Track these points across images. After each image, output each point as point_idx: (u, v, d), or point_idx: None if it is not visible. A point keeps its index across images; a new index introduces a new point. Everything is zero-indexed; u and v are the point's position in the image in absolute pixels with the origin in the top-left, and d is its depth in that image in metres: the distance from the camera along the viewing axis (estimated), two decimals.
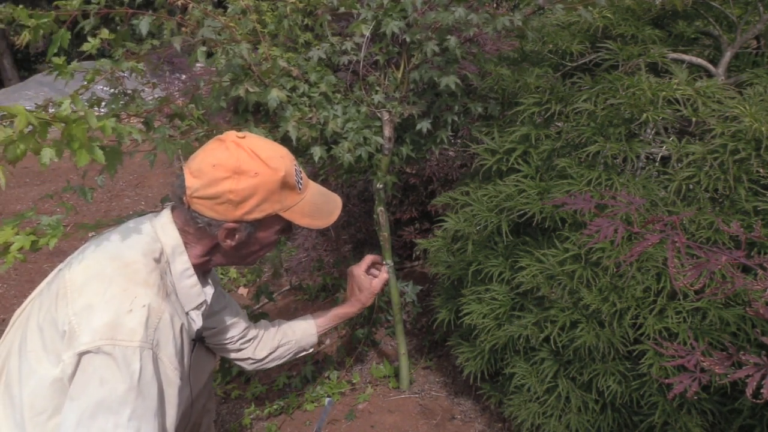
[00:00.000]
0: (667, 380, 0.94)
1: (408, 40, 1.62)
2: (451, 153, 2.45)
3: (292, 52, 1.69)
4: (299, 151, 1.66)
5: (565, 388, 1.55)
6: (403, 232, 2.59)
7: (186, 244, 1.17)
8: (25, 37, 1.22)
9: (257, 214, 1.15)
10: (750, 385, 0.79)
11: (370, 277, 1.76)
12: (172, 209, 1.20)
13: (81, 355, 0.95)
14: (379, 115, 1.69)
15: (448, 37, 1.56)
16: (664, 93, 1.47)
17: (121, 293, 1.00)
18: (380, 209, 1.83)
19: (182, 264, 1.16)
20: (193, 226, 1.16)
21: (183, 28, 1.46)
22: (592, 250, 1.42)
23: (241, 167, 1.11)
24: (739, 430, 1.32)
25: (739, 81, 1.64)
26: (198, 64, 1.67)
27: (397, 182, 1.82)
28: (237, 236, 1.17)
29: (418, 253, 2.63)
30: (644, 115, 1.45)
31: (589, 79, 1.64)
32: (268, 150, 1.16)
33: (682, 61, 1.67)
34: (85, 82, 1.35)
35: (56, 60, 1.23)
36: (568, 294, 1.45)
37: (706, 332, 1.28)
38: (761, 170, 1.32)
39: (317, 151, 1.63)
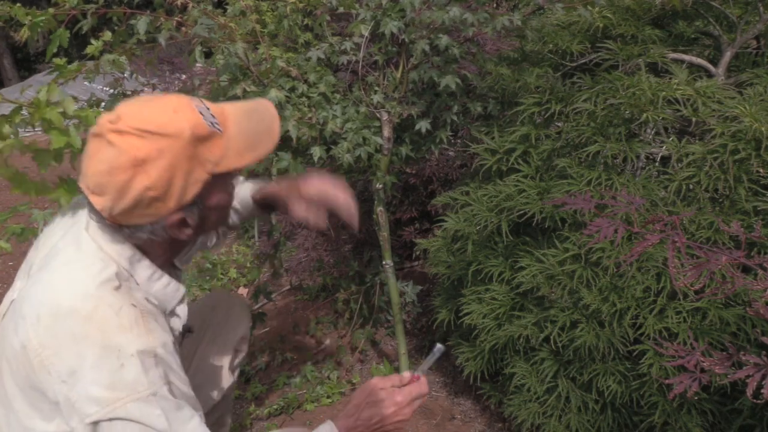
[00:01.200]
0: (667, 380, 0.94)
1: (406, 40, 1.62)
2: (451, 153, 2.45)
3: (292, 53, 1.69)
4: (299, 150, 1.66)
5: (565, 388, 1.55)
6: (403, 232, 2.59)
7: (142, 250, 1.01)
8: (24, 32, 1.22)
9: (193, 189, 0.95)
10: (750, 385, 0.79)
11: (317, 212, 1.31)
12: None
13: (95, 422, 0.89)
14: (378, 115, 1.69)
15: (440, 36, 1.56)
16: (664, 93, 1.47)
17: (103, 352, 0.90)
18: (380, 209, 1.83)
19: (145, 270, 1.01)
20: (137, 239, 0.99)
21: (182, 28, 1.46)
22: (592, 250, 1.42)
23: (138, 156, 0.88)
24: (739, 430, 1.32)
25: (739, 81, 1.63)
26: (198, 64, 1.67)
27: (397, 182, 1.82)
28: (189, 221, 0.98)
29: (418, 253, 2.63)
30: (644, 115, 1.45)
31: (589, 79, 1.64)
32: (155, 115, 0.92)
33: (682, 61, 1.67)
34: (86, 81, 1.35)
35: (57, 60, 1.23)
36: (568, 294, 1.45)
37: (706, 332, 1.28)
38: (761, 170, 1.32)
39: (317, 151, 1.63)
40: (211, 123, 0.96)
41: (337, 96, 1.68)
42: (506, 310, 1.63)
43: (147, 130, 0.89)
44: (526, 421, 1.60)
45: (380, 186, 1.78)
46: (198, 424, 0.98)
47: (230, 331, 1.51)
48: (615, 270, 1.39)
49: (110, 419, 0.89)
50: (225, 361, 1.49)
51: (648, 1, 1.82)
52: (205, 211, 1.00)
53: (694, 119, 1.46)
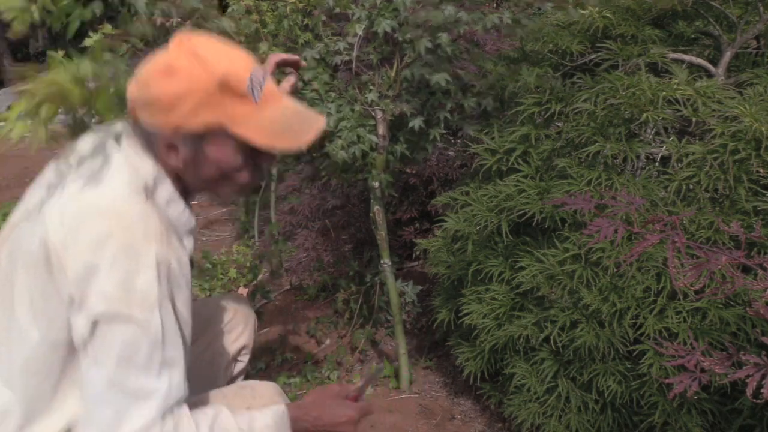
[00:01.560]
0: (667, 380, 0.94)
1: (400, 39, 1.62)
2: (451, 153, 2.45)
3: (291, 53, 1.69)
4: None
5: (565, 388, 1.55)
6: (403, 232, 2.59)
7: (165, 171, 1.03)
8: (17, 26, 1.20)
9: (194, 124, 0.97)
10: (750, 385, 0.79)
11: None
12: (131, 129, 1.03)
13: (96, 321, 0.91)
14: (372, 113, 1.69)
15: (440, 34, 1.56)
16: (664, 93, 1.47)
17: (124, 252, 0.91)
18: (377, 208, 1.83)
19: (166, 191, 1.03)
20: (144, 138, 1.02)
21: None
22: (592, 250, 1.42)
23: (173, 66, 0.95)
24: (739, 430, 1.32)
25: (739, 81, 1.64)
26: None
27: (392, 180, 1.82)
28: (180, 152, 1.00)
29: (418, 253, 2.63)
30: (644, 115, 1.45)
31: (589, 79, 1.64)
32: (215, 51, 0.98)
33: (682, 61, 1.67)
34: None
35: (51, 54, 1.21)
36: (568, 294, 1.45)
37: (706, 332, 1.28)
38: (761, 170, 1.32)
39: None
40: (252, 88, 0.98)
41: (332, 95, 1.67)
42: (506, 310, 1.63)
43: (197, 55, 0.96)
44: (526, 421, 1.60)
45: (377, 185, 1.78)
46: (183, 356, 0.98)
47: (231, 337, 1.48)
48: (615, 270, 1.39)
49: (112, 318, 0.91)
50: (219, 369, 1.46)
51: (648, 1, 1.82)
52: (200, 155, 1.01)
53: (694, 119, 1.46)
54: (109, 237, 0.92)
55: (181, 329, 0.99)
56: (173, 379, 0.96)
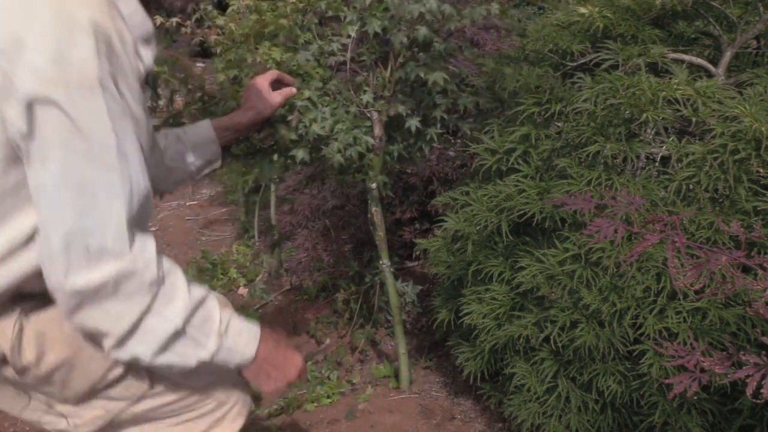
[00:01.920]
0: (667, 380, 0.94)
1: (391, 38, 1.62)
2: (451, 153, 2.45)
3: (292, 53, 1.69)
4: (280, 151, 1.67)
5: (565, 388, 1.55)
6: (403, 232, 2.59)
7: None
8: None
9: None
10: (750, 385, 0.79)
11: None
12: None
13: (31, 104, 0.79)
14: (368, 115, 1.69)
15: (418, 27, 1.55)
16: (664, 93, 1.47)
17: (56, 20, 0.79)
18: (375, 209, 1.83)
19: None
20: None
21: (183, 29, 1.47)
22: (592, 250, 1.42)
23: None
24: (739, 430, 1.33)
25: (739, 81, 1.64)
26: (198, 64, 1.68)
27: (388, 181, 1.81)
28: None
29: (418, 253, 2.63)
30: (644, 115, 1.45)
31: (589, 79, 1.64)
32: None
33: (682, 61, 1.67)
34: None
35: None
36: (568, 294, 1.46)
37: (706, 332, 1.28)
38: (761, 170, 1.32)
39: (300, 153, 1.62)
40: None
41: (327, 99, 1.67)
42: (506, 310, 1.63)
43: None
44: (526, 421, 1.60)
45: (374, 186, 1.78)
46: (137, 150, 0.87)
47: None
48: (615, 270, 1.39)
49: (47, 100, 0.78)
50: None
51: (648, 1, 1.82)
52: None
53: (694, 119, 1.46)
54: (38, 4, 0.80)
55: (126, 115, 0.87)
56: (134, 174, 0.86)
